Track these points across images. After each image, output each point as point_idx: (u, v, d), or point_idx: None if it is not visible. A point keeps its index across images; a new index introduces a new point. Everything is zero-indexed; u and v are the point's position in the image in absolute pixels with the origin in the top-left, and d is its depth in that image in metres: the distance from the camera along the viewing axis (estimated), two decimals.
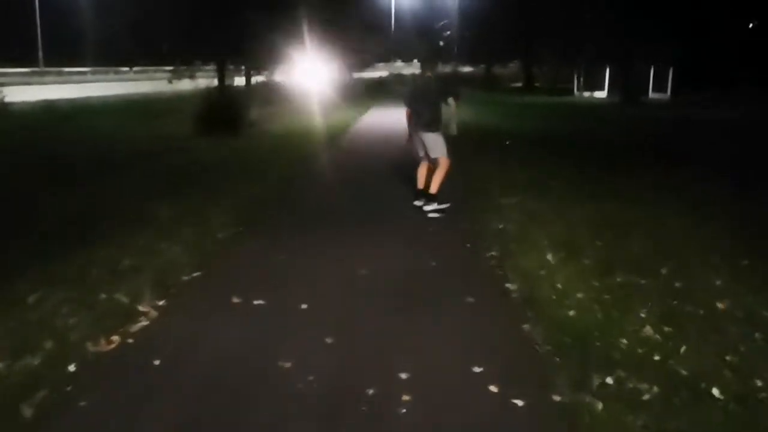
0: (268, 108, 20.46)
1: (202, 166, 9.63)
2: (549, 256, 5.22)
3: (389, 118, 19.12)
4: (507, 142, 12.50)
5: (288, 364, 3.30)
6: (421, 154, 7.03)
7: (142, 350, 3.50)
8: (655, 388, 3.04)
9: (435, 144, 6.80)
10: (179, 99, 19.27)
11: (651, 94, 32.86)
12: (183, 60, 15.81)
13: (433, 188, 6.84)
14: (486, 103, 26.27)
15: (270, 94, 25.44)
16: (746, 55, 28.88)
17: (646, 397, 3.00)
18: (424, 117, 6.73)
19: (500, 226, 6.19)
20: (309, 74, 25.94)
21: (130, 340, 3.63)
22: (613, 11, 28.73)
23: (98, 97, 25.14)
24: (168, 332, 3.76)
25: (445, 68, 42.80)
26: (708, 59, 31.13)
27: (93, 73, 40.08)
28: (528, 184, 8.30)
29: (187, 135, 13.20)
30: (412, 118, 6.90)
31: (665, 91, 33.17)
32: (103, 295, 4.24)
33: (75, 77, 37.97)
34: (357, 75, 33.81)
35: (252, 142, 12.57)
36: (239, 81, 22.13)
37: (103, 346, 3.52)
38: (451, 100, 6.75)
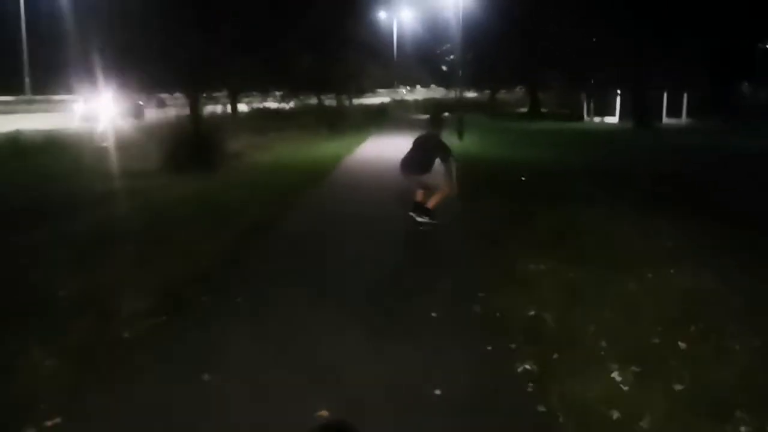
0: (256, 138, 18.84)
1: (152, 215, 7.83)
2: (616, 375, 3.39)
3: (388, 149, 17.43)
4: (522, 178, 10.72)
5: None
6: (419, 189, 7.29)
7: None
8: None
9: (433, 179, 7.07)
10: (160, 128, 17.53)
11: (665, 120, 31.24)
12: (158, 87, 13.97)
13: (431, 204, 7.09)
14: (492, 131, 24.60)
15: (260, 121, 23.88)
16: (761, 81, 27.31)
17: None
18: (419, 164, 7.02)
19: (531, 313, 4.36)
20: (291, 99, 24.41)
21: None
22: (625, 37, 27.21)
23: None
24: None
25: (449, 94, 41.36)
26: (723, 85, 29.65)
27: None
28: (557, 238, 6.48)
29: (152, 171, 11.46)
30: (406, 164, 7.15)
31: (679, 116, 31.67)
32: None
33: (62, 105, 36.52)
34: (356, 101, 32.24)
35: (225, 180, 10.78)
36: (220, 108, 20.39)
37: None
38: (451, 161, 7.08)
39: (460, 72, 23.05)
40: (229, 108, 20.57)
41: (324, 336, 4.06)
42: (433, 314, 4.44)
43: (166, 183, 10.07)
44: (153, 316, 4.29)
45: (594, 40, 30.61)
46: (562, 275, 5.15)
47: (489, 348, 3.87)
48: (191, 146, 11.70)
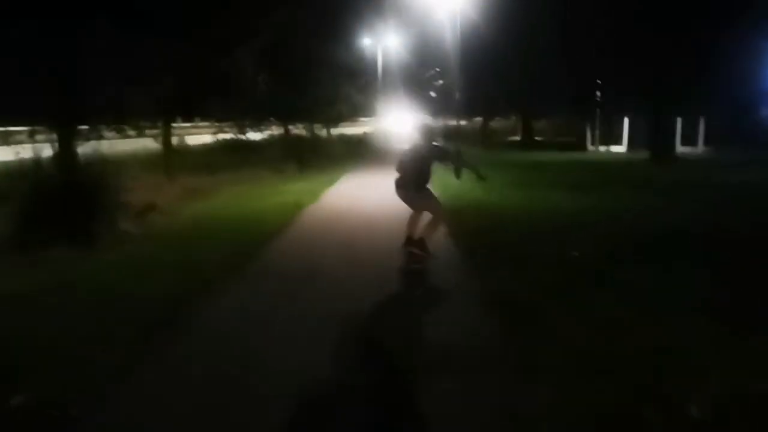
0: (200, 179, 14.82)
1: None
2: None
3: (365, 192, 13.38)
4: (575, 254, 6.73)
5: None
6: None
7: None
8: None
9: (423, 201, 6.63)
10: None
11: (680, 148, 27.65)
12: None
13: (421, 234, 6.62)
14: (493, 165, 20.62)
15: (216, 156, 19.87)
16: None
17: None
18: (410, 176, 6.49)
19: None
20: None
21: None
22: (641, 61, 23.67)
23: None
24: None
25: (438, 121, 37.73)
26: (737, 110, 26.33)
27: None
28: None
29: None
30: (400, 179, 6.58)
31: (694, 144, 28.26)
32: None
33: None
34: (334, 130, 28.34)
35: (95, 265, 6.68)
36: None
37: None
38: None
39: (456, 95, 19.23)
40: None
41: None
42: None
43: None
44: None
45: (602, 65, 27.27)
46: None
47: None
48: (60, 203, 7.61)
